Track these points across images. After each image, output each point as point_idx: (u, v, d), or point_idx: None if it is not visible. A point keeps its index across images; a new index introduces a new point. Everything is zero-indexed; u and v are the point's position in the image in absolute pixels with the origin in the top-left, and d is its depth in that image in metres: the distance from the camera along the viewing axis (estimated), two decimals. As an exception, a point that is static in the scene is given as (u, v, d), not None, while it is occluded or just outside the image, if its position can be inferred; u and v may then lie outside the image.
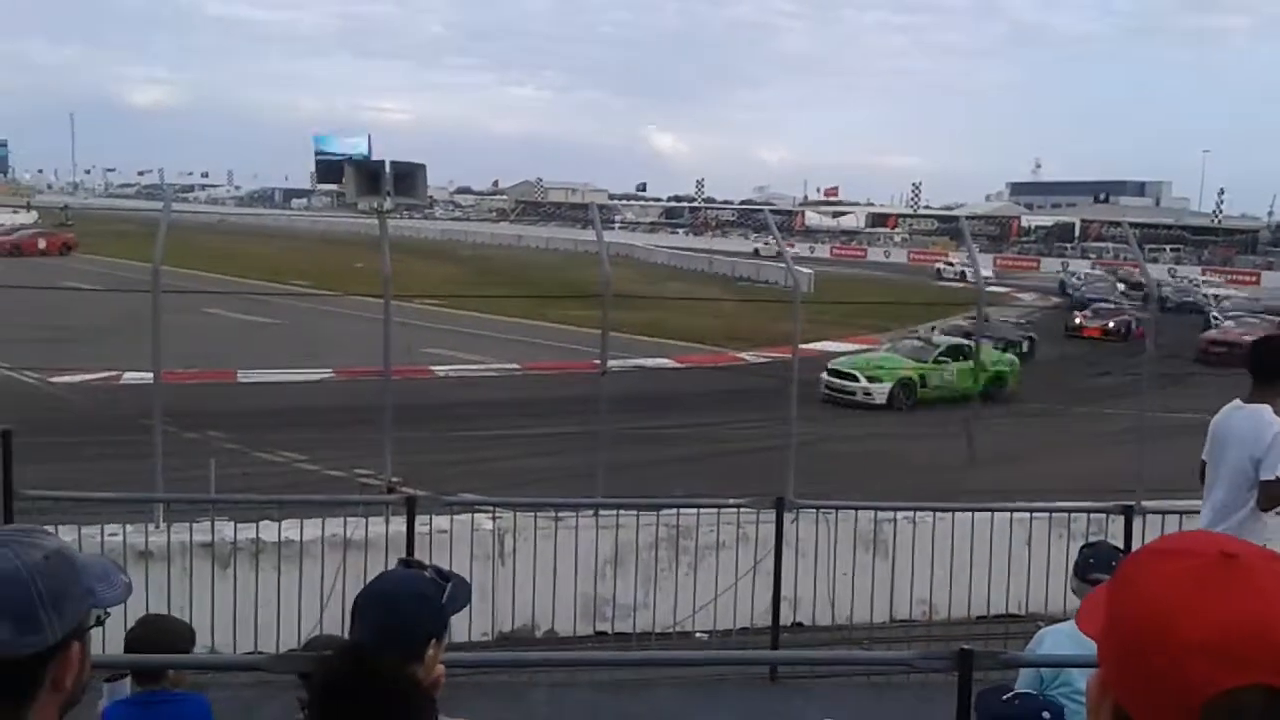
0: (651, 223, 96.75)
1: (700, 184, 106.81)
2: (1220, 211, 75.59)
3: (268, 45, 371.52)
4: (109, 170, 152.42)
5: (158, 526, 7.95)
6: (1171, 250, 66.68)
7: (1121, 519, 8.20)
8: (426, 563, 2.61)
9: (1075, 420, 19.92)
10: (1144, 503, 8.73)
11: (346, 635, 2.43)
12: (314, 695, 2.12)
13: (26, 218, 64.50)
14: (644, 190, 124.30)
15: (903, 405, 20.97)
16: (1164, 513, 8.49)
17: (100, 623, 1.48)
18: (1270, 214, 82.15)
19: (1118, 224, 61.88)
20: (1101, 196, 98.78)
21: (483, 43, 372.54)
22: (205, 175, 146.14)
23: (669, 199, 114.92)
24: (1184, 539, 1.07)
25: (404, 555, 2.93)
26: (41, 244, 50.05)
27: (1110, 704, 1.00)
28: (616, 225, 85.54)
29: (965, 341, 22.14)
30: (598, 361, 9.69)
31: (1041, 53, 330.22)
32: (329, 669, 2.15)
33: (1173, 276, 51.88)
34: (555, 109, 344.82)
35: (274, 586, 7.51)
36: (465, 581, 2.50)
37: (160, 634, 3.81)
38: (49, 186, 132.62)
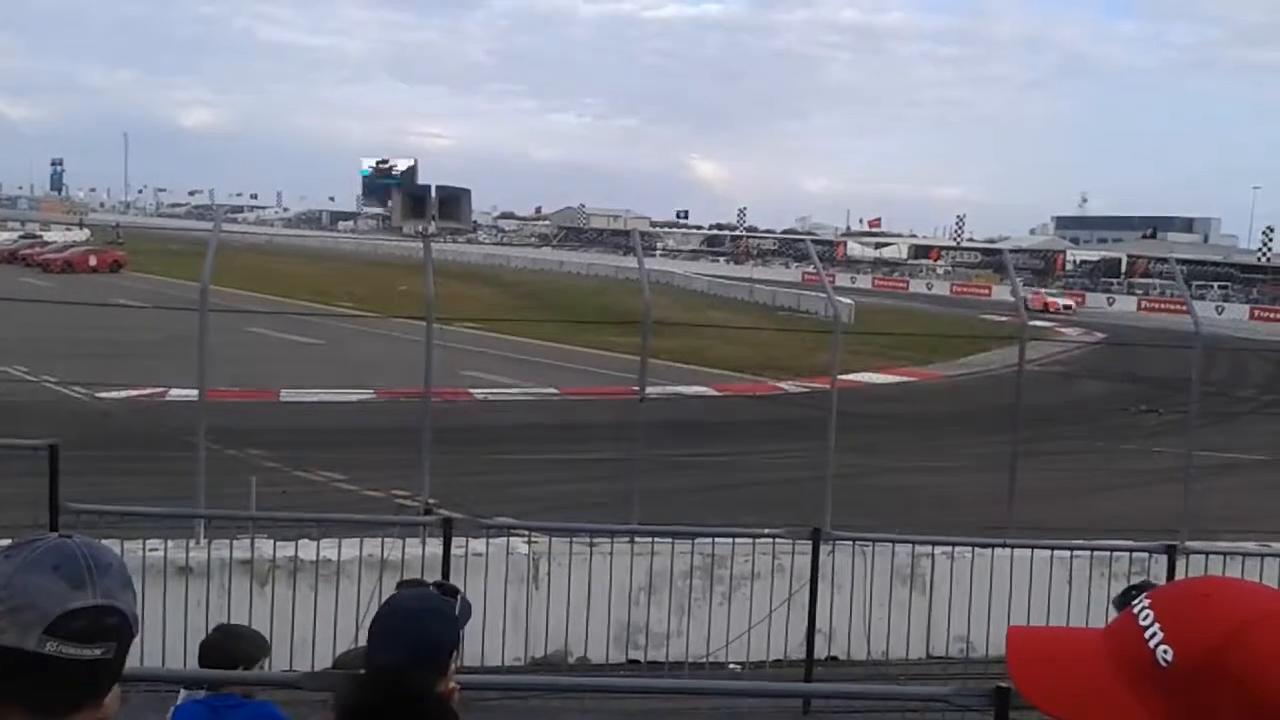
0: (693, 250, 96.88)
1: (742, 212, 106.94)
2: (1269, 249, 74.39)
3: (316, 70, 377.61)
4: (160, 190, 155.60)
5: (198, 543, 8.05)
6: (1219, 288, 65.72)
7: (1165, 558, 8.07)
8: (427, 580, 2.62)
9: (1120, 457, 19.64)
10: (1188, 543, 8.59)
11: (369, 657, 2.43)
12: (349, 718, 2.14)
13: (79, 235, 65.87)
14: (686, 218, 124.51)
15: None
16: (1208, 553, 8.35)
17: None
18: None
19: (1164, 260, 61.08)
20: (1148, 232, 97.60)
21: (525, 70, 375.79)
22: (254, 197, 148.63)
23: (711, 227, 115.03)
24: (1249, 595, 1.01)
25: (409, 577, 2.91)
26: (92, 261, 50.98)
27: None
28: (658, 252, 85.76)
29: None
30: (636, 388, 9.71)
31: (1090, 85, 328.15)
32: (367, 693, 2.16)
33: (1219, 314, 51.15)
34: (597, 135, 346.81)
35: (311, 605, 7.56)
36: (465, 596, 2.53)
37: (232, 641, 3.93)
38: (101, 205, 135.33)
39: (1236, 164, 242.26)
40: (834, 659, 8.59)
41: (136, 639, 1.51)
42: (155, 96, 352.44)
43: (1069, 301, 58.90)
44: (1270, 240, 74.42)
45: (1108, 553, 8.68)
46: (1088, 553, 8.67)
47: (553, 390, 24.24)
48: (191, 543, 8.02)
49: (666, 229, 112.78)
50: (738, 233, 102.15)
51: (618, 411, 18.17)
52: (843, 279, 66.80)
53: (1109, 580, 8.02)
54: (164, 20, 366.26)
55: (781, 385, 25.98)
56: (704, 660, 8.22)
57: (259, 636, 4.11)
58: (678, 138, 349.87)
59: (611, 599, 8.24)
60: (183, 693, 3.76)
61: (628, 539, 8.56)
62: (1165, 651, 0.96)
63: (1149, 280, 69.08)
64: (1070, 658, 1.01)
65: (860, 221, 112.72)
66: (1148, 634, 0.98)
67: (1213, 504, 12.41)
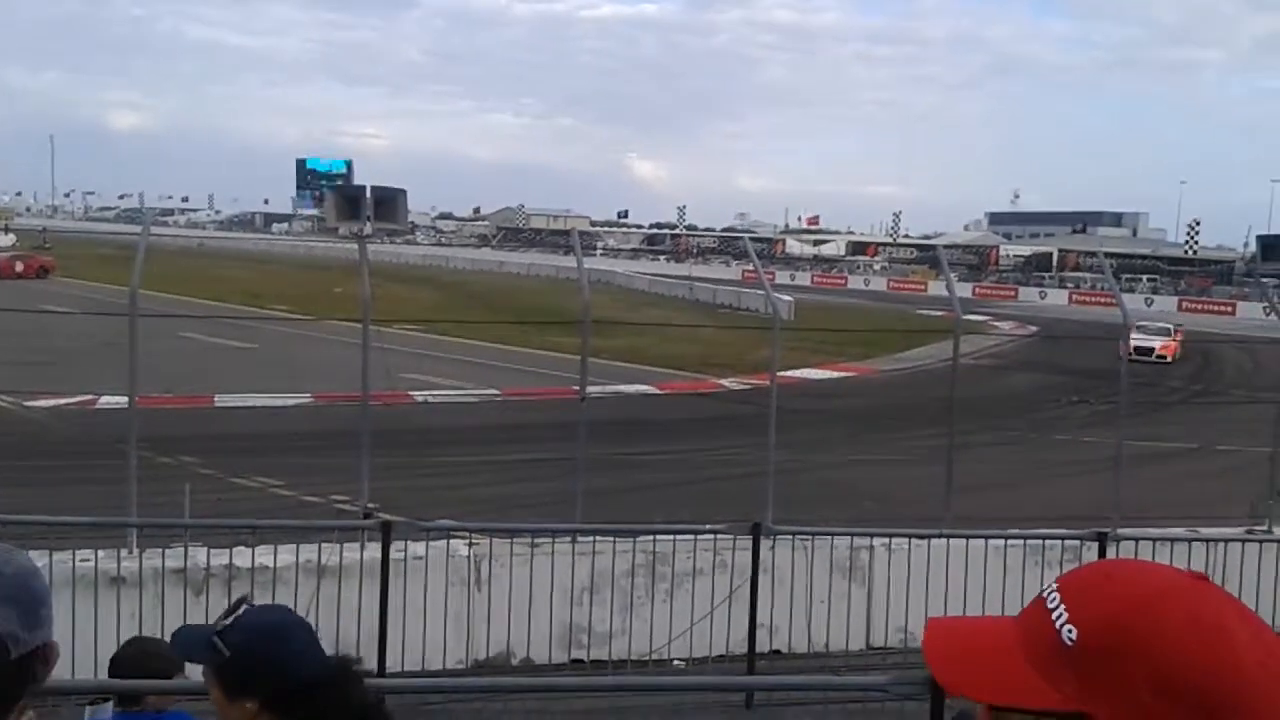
0: (633, 249, 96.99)
1: (682, 211, 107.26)
2: (1195, 242, 76.31)
3: (248, 70, 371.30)
4: (88, 193, 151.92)
5: (131, 552, 7.88)
6: (1148, 280, 67.25)
7: (1096, 545, 8.24)
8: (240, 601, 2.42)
9: (1053, 448, 20.01)
10: (1119, 530, 8.78)
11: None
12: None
13: (4, 240, 64.09)
14: (626, 217, 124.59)
15: None
16: (1138, 539, 8.53)
17: None
18: (1245, 245, 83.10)
19: (1094, 254, 62.40)
20: (1079, 227, 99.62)
21: (461, 69, 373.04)
22: (185, 199, 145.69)
23: (651, 226, 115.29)
24: (1150, 576, 1.03)
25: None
26: (18, 267, 49.63)
27: None
28: (598, 252, 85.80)
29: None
30: (577, 387, 9.70)
31: (1020, 85, 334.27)
32: (359, 690, 2.13)
33: (1149, 306, 52.35)
34: (536, 136, 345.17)
35: (247, 613, 7.44)
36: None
37: (146, 656, 3.80)
38: (28, 209, 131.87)
39: (1163, 160, 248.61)
40: (777, 652, 8.65)
41: (66, 651, 1.44)
42: (82, 98, 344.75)
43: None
44: (1197, 233, 76.38)
45: (1041, 541, 8.83)
46: (1021, 541, 8.81)
47: (494, 391, 24.13)
48: (123, 552, 7.86)
49: (607, 228, 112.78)
50: (677, 231, 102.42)
51: (559, 411, 18.19)
52: (782, 276, 67.26)
53: (1042, 568, 8.16)
54: (91, 20, 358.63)
55: (722, 382, 26.11)
56: (647, 658, 8.24)
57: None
58: (617, 137, 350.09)
59: (554, 599, 8.22)
60: (86, 710, 3.63)
61: (570, 538, 8.55)
62: (1070, 630, 0.99)
63: (1080, 274, 70.51)
64: (985, 646, 1.04)
65: (799, 219, 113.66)
66: (1054, 615, 1.01)
67: (1143, 492, 12.69)
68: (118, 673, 3.73)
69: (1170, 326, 36.00)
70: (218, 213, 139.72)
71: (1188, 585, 1.00)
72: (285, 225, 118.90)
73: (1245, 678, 0.94)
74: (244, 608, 2.24)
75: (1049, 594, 1.04)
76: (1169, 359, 33.72)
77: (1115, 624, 0.97)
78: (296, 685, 2.10)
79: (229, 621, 2.18)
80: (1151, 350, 33.40)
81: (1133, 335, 34.57)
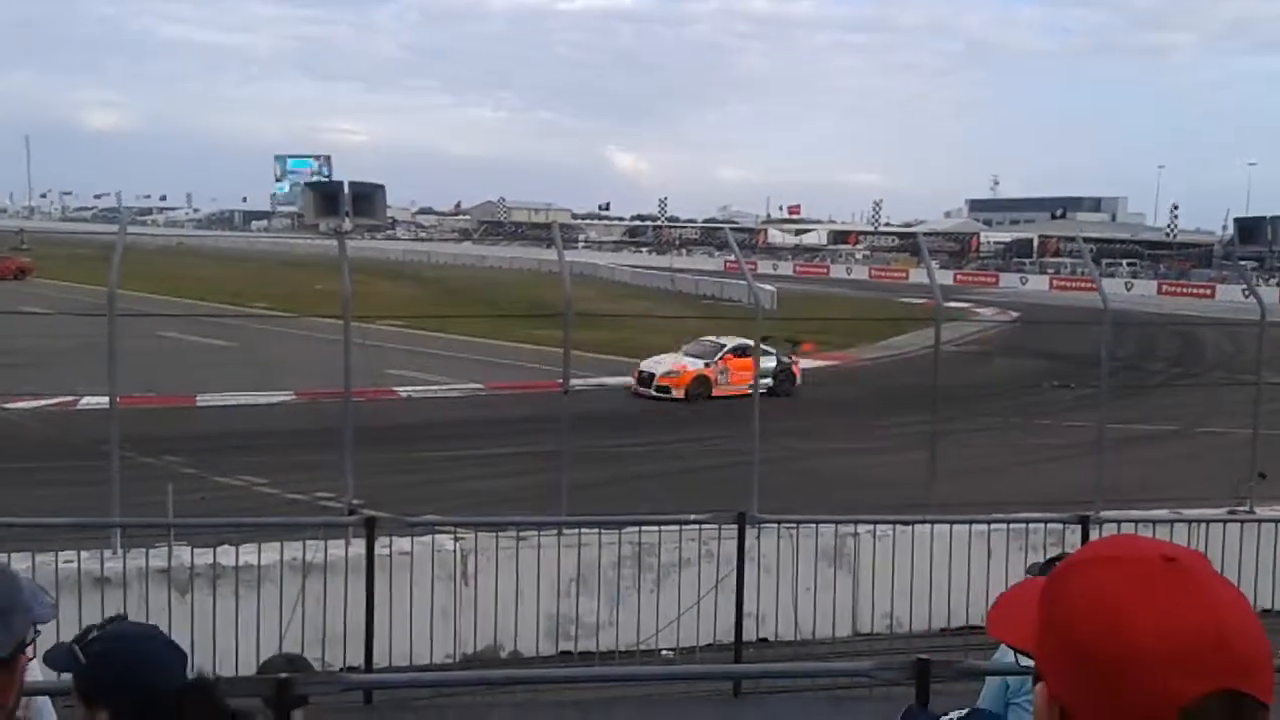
0: (615, 241, 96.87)
1: (663, 203, 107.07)
2: (1174, 226, 76.69)
3: (224, 68, 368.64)
4: (65, 194, 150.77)
5: (114, 552, 7.84)
6: (1128, 265, 67.57)
7: (1079, 529, 8.29)
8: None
9: (1036, 432, 20.11)
10: (1102, 512, 8.83)
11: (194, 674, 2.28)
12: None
13: (-20, 242, 63.54)
14: (607, 209, 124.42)
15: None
16: (1120, 521, 8.58)
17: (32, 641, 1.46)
18: (1224, 228, 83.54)
19: (1073, 239, 62.57)
20: (1058, 212, 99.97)
21: (439, 64, 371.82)
22: (164, 198, 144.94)
23: (633, 218, 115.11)
24: (1120, 544, 1.08)
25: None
26: (-4, 269, 49.27)
27: (1058, 715, 1.02)
28: (580, 245, 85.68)
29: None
30: (560, 380, 9.70)
31: (997, 72, 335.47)
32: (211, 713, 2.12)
33: (1128, 290, 52.61)
34: (515, 129, 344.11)
35: (232, 612, 7.42)
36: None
37: None
38: (4, 211, 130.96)
39: (1141, 144, 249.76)
40: (765, 641, 8.68)
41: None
42: (57, 98, 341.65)
43: None
44: (1176, 217, 76.76)
45: (1024, 525, 8.88)
46: (1005, 526, 8.86)
47: (477, 385, 24.10)
48: (108, 553, 7.81)
49: (588, 221, 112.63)
50: (659, 223, 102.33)
51: (543, 404, 18.17)
52: (764, 266, 67.30)
53: (1026, 551, 8.20)
54: (63, 20, 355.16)
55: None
56: (635, 648, 8.24)
57: None
58: (596, 130, 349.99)
59: (541, 592, 8.23)
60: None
61: (556, 531, 8.55)
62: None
63: (1060, 259, 70.74)
64: (1019, 597, 1.17)
65: (780, 209, 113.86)
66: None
67: (1126, 474, 12.77)
68: None
69: (723, 344, 24.49)
70: (196, 211, 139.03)
71: (1133, 557, 1.03)
72: (264, 223, 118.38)
73: (1136, 649, 0.96)
74: (114, 625, 2.26)
75: None
76: (675, 393, 23.21)
77: (1052, 582, 1.07)
78: (146, 698, 2.09)
79: (95, 634, 2.19)
80: (651, 378, 23.61)
81: (646, 362, 24.05)
